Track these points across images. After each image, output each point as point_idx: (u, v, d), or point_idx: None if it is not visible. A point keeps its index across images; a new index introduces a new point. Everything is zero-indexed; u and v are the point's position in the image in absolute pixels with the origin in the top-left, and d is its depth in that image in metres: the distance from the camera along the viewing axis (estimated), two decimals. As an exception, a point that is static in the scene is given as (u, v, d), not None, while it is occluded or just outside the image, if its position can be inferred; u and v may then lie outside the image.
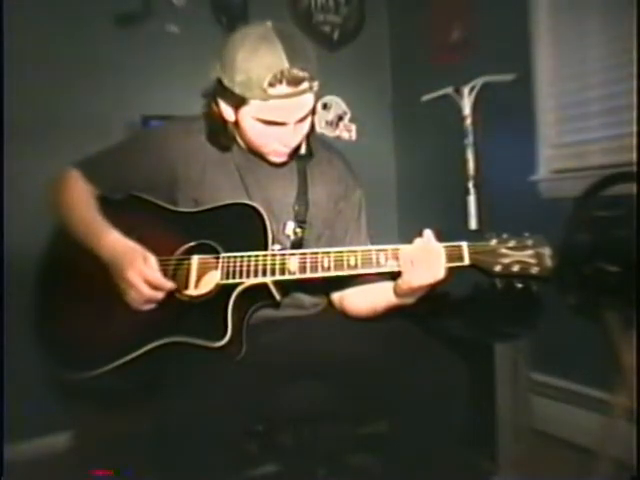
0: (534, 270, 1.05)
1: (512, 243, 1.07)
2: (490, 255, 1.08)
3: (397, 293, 1.18)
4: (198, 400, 1.04)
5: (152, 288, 1.14)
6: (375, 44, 2.87)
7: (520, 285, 1.06)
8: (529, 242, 1.07)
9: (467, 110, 2.37)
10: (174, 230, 1.25)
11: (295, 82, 1.10)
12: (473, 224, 2.38)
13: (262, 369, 1.17)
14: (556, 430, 2.11)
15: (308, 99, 1.15)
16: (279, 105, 1.12)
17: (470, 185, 2.39)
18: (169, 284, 1.15)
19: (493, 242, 1.08)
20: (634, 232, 1.44)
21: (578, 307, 1.70)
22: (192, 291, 1.20)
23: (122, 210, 1.31)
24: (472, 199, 2.39)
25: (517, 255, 1.06)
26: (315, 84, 1.14)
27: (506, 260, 1.06)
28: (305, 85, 1.12)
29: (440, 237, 1.12)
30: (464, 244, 1.10)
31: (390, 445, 1.25)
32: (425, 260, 1.08)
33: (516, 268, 1.06)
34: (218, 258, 1.17)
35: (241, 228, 1.20)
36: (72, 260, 1.27)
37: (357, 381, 1.25)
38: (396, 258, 1.12)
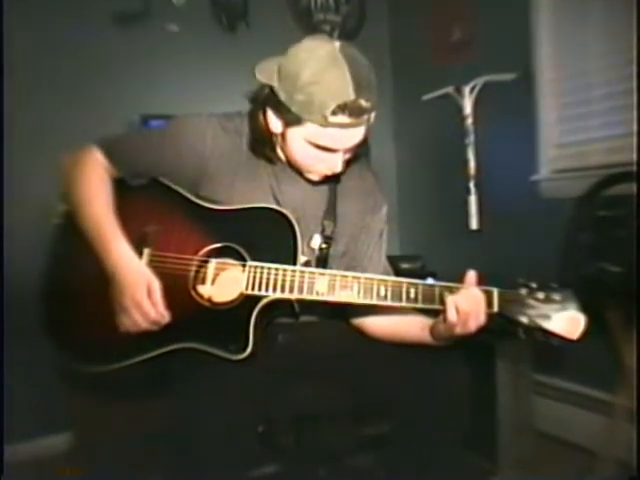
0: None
1: (540, 295, 1.07)
2: (518, 305, 1.08)
3: (435, 336, 1.16)
4: (200, 400, 1.04)
5: (148, 322, 1.11)
6: (375, 43, 2.86)
7: (542, 339, 1.07)
8: (557, 297, 1.07)
9: (468, 109, 2.36)
10: (197, 226, 1.20)
11: (358, 113, 1.07)
12: (474, 224, 2.37)
13: (264, 370, 1.16)
14: (557, 431, 2.11)
15: (360, 130, 1.12)
16: (335, 133, 1.09)
17: (471, 185, 2.38)
18: (166, 319, 1.12)
19: (522, 292, 1.08)
20: (635, 232, 1.44)
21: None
22: (209, 291, 1.16)
23: (143, 195, 1.26)
24: (473, 199, 2.38)
25: (543, 308, 1.06)
26: (373, 115, 1.11)
27: (532, 312, 1.07)
28: (366, 117, 1.09)
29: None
30: (495, 290, 1.09)
31: (392, 446, 1.25)
32: (472, 309, 1.07)
33: (541, 322, 1.06)
34: (244, 266, 1.14)
35: (269, 235, 1.16)
36: (87, 253, 1.20)
37: (358, 382, 1.25)
38: (426, 296, 1.10)
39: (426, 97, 2.52)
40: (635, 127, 1.72)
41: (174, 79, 2.32)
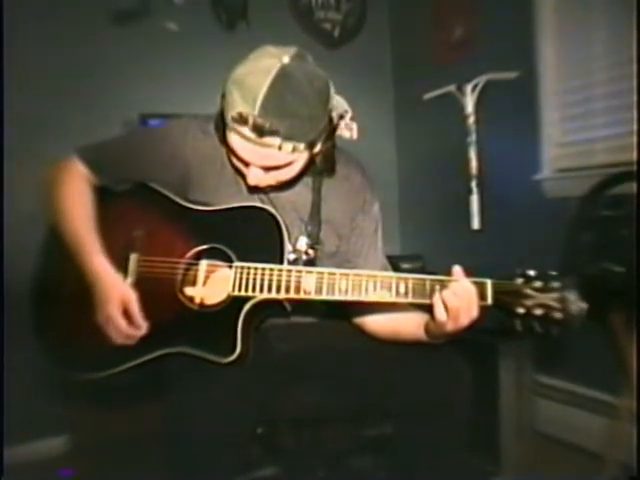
0: (557, 315, 1.00)
1: (538, 284, 1.01)
2: (514, 295, 1.02)
3: (429, 334, 1.14)
4: (199, 402, 1.03)
5: (121, 337, 1.12)
6: (376, 41, 2.85)
7: (540, 330, 1.01)
8: (556, 284, 1.01)
9: (470, 108, 2.35)
10: (183, 228, 1.19)
11: (259, 132, 1.01)
12: (476, 224, 2.36)
13: (263, 371, 1.16)
14: (560, 432, 2.10)
15: (275, 154, 1.05)
16: (240, 142, 1.05)
17: (473, 184, 2.37)
18: (140, 332, 1.12)
19: (518, 281, 1.03)
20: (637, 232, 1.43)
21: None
22: (199, 292, 1.15)
23: (128, 200, 1.26)
24: (475, 198, 2.36)
25: (541, 297, 1.00)
26: (289, 146, 1.03)
27: (529, 302, 1.01)
28: (273, 141, 1.02)
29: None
30: (488, 282, 1.04)
31: (393, 447, 1.25)
32: (462, 304, 1.02)
33: (539, 312, 1.00)
34: (231, 267, 1.12)
35: (255, 234, 1.14)
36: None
37: (359, 382, 1.24)
38: (417, 290, 1.06)
39: (427, 96, 2.51)
40: (635, 126, 1.71)
41: (173, 78, 2.31)
